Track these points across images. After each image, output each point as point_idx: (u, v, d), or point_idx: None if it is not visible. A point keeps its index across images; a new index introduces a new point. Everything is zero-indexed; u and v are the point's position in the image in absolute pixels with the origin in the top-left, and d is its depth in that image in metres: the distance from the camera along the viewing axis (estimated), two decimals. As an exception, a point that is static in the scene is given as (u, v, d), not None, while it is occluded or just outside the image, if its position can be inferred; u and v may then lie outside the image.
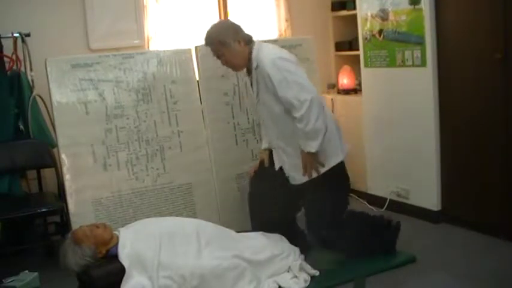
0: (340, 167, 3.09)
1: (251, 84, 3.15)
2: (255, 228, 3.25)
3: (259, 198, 3.20)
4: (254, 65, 2.98)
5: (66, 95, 3.49)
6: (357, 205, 4.29)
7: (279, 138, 3.08)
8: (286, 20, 4.69)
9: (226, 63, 3.08)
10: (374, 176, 4.20)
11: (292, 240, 3.16)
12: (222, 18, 4.58)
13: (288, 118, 2.94)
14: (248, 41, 3.03)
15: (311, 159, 2.93)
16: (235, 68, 3.12)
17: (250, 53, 3.01)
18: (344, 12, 4.69)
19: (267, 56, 2.93)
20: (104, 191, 3.52)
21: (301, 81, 2.86)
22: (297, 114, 2.84)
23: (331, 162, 3.01)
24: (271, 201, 3.10)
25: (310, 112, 2.81)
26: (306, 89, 2.84)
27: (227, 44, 2.97)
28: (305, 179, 3.00)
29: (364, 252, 3.11)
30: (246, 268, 2.84)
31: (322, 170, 2.97)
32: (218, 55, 3.06)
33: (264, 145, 3.30)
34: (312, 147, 2.88)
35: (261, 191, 3.20)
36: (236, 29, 3.04)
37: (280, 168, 3.13)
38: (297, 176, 3.04)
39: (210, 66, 3.82)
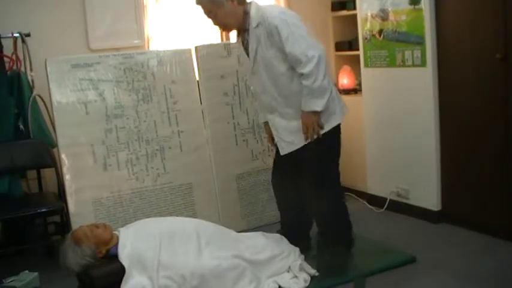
0: (338, 129, 3.05)
1: (244, 48, 3.01)
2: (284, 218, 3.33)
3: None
4: (254, 23, 2.87)
5: (66, 95, 3.50)
6: (357, 205, 4.30)
7: (277, 100, 2.97)
8: (286, 20, 4.67)
9: (218, 23, 2.96)
10: (374, 176, 4.20)
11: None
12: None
13: (290, 77, 2.87)
14: (241, 0, 2.91)
15: (313, 120, 2.84)
16: (227, 27, 3.03)
17: (245, 13, 2.91)
18: (344, 12, 4.68)
19: (272, 12, 2.85)
20: (104, 191, 3.52)
21: (306, 36, 2.80)
22: (304, 70, 2.76)
23: (333, 122, 2.96)
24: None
25: (319, 68, 2.74)
26: (313, 45, 2.78)
27: (219, 2, 2.85)
28: (303, 142, 2.92)
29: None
30: (246, 268, 2.84)
31: (322, 131, 2.91)
32: (209, 14, 2.93)
33: (263, 119, 3.24)
34: (318, 105, 2.80)
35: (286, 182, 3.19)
36: None
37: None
38: (296, 140, 2.95)
39: (210, 66, 3.84)
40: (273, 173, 3.34)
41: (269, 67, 2.90)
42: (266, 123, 3.20)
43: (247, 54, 2.99)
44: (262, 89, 3.01)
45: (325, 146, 2.95)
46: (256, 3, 2.95)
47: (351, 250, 3.17)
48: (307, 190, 3.03)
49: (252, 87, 3.18)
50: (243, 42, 3.02)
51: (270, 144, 3.40)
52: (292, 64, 2.82)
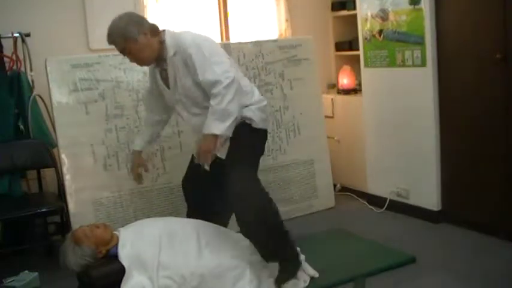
0: (257, 133, 2.91)
1: (163, 78, 2.91)
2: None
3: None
4: (171, 52, 2.78)
5: (66, 95, 3.50)
6: (357, 205, 4.30)
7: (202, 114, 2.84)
8: (286, 20, 4.69)
9: (135, 59, 2.84)
10: (374, 176, 4.20)
11: None
12: (222, 18, 4.59)
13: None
14: (154, 31, 2.80)
15: (209, 145, 2.69)
16: (145, 62, 2.86)
17: (161, 42, 2.80)
18: (344, 12, 4.69)
19: (187, 39, 2.75)
20: (104, 191, 3.53)
21: (222, 60, 2.71)
22: (214, 91, 2.65)
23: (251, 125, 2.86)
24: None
25: (227, 91, 2.63)
26: (227, 70, 2.68)
27: (132, 38, 2.73)
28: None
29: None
30: (246, 268, 2.84)
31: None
32: (124, 51, 2.80)
33: (138, 147, 3.13)
34: (218, 128, 2.65)
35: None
36: (139, 21, 2.79)
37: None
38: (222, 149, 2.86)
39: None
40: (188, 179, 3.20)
41: (189, 94, 2.83)
42: (137, 152, 3.13)
43: (166, 85, 2.91)
44: (190, 115, 2.92)
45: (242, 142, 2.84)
46: (169, 31, 2.84)
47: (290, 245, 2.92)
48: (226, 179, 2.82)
49: (180, 116, 3.04)
50: (161, 73, 2.92)
51: (132, 174, 3.20)
52: (206, 89, 2.73)
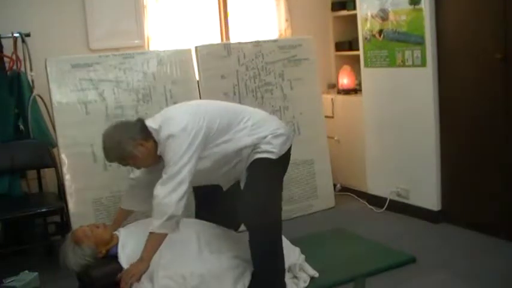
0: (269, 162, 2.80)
1: None
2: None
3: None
4: (160, 147, 2.68)
5: (66, 95, 3.50)
6: (357, 205, 4.30)
7: (223, 178, 2.89)
8: (286, 20, 4.69)
9: (142, 166, 2.82)
10: (374, 176, 4.20)
11: None
12: (222, 18, 4.58)
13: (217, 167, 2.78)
14: (146, 135, 2.68)
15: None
16: (153, 164, 2.78)
17: (154, 142, 2.69)
18: (344, 12, 4.69)
19: (164, 134, 2.64)
20: (104, 191, 3.53)
21: (178, 166, 2.58)
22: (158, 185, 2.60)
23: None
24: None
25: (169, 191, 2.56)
26: (176, 171, 2.58)
27: (129, 154, 2.66)
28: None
29: None
30: (246, 268, 2.84)
31: None
32: (128, 165, 2.79)
33: (128, 206, 3.04)
34: (154, 225, 2.58)
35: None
36: (130, 135, 2.67)
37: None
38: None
39: (210, 66, 3.84)
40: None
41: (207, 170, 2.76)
42: (125, 212, 3.06)
43: None
44: (219, 175, 2.90)
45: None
46: (154, 129, 2.69)
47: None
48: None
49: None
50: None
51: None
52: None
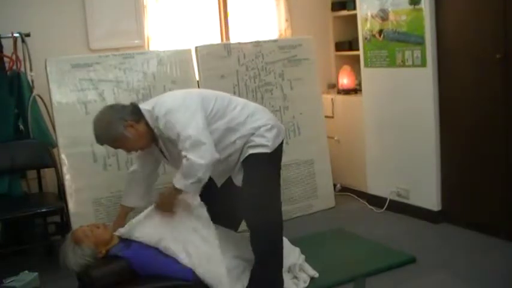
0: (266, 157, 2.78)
1: (161, 152, 2.84)
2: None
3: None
4: (158, 132, 2.69)
5: (66, 95, 3.50)
6: (357, 205, 4.30)
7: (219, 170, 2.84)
8: (286, 20, 4.69)
9: (133, 150, 2.81)
10: (374, 176, 4.20)
11: None
12: (222, 18, 4.59)
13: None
14: (137, 117, 2.68)
15: (170, 197, 2.73)
16: (143, 147, 2.80)
17: (146, 124, 2.69)
18: (344, 12, 4.69)
19: (159, 113, 2.65)
20: (104, 191, 3.53)
21: (190, 135, 2.58)
22: (184, 153, 2.59)
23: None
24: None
25: (196, 166, 2.57)
26: (194, 140, 2.58)
27: (120, 136, 2.65)
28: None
29: None
30: (246, 268, 2.84)
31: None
32: (119, 148, 2.79)
33: (131, 203, 3.01)
34: (180, 183, 2.62)
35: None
36: (120, 115, 2.67)
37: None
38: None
39: (210, 66, 3.84)
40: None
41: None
42: (127, 209, 3.02)
43: (164, 156, 2.86)
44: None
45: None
46: (144, 108, 2.70)
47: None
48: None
49: None
50: (160, 149, 2.84)
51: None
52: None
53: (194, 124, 2.61)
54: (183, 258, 2.69)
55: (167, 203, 2.78)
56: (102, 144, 2.81)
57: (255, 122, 2.78)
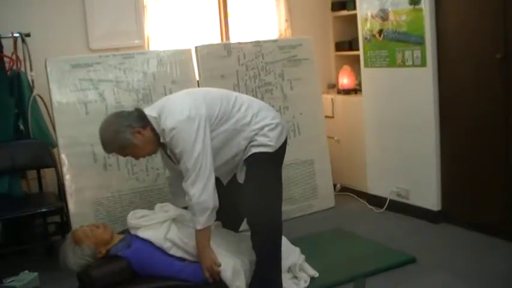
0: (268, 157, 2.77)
1: (168, 157, 2.82)
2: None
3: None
4: (166, 138, 2.65)
5: (66, 95, 3.50)
6: (357, 205, 4.30)
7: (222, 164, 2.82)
8: (286, 20, 4.69)
9: (141, 156, 2.79)
10: (374, 176, 4.20)
11: None
12: (222, 18, 4.59)
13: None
14: (143, 122, 2.66)
15: (202, 241, 2.67)
16: (151, 153, 2.81)
17: (152, 130, 2.67)
18: (344, 12, 4.69)
19: (166, 126, 2.61)
20: (104, 191, 3.53)
21: (192, 155, 2.57)
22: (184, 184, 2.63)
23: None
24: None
25: (194, 185, 2.58)
26: (193, 163, 2.58)
27: (129, 143, 2.64)
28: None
29: None
30: (247, 268, 2.84)
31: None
32: (128, 155, 2.78)
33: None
34: (200, 223, 2.61)
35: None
36: (127, 123, 2.64)
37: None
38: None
39: (210, 66, 3.84)
40: None
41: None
42: None
43: (173, 162, 2.82)
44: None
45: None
46: (152, 117, 2.67)
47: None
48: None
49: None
50: (167, 153, 2.82)
51: None
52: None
53: (199, 147, 2.57)
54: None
55: (205, 257, 2.68)
56: (110, 152, 2.80)
57: (259, 122, 2.78)
